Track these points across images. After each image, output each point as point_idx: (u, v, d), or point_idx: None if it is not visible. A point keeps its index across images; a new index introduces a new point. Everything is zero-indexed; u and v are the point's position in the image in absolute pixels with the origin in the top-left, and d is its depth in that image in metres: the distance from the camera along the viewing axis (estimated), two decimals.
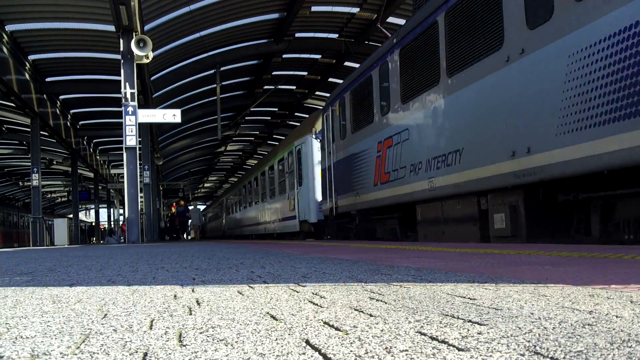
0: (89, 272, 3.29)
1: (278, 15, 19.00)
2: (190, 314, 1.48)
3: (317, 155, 14.00)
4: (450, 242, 6.36)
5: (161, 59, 19.39)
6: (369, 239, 10.37)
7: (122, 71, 14.04)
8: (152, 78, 19.71)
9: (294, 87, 27.38)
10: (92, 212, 43.03)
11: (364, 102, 9.98)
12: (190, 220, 29.58)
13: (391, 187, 8.58)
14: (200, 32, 18.76)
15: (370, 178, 9.44)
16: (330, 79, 25.40)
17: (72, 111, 24.42)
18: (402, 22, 18.91)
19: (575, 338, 1.02)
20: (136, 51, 13.49)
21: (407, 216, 8.67)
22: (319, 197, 13.64)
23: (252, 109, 28.75)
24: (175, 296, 1.91)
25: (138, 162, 14.41)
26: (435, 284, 1.98)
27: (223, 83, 23.71)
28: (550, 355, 0.90)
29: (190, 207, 30.26)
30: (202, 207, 62.62)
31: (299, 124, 22.95)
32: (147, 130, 21.01)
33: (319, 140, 13.62)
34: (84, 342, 1.14)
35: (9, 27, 15.99)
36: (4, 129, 25.94)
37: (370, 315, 1.35)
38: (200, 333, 1.20)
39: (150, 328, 1.28)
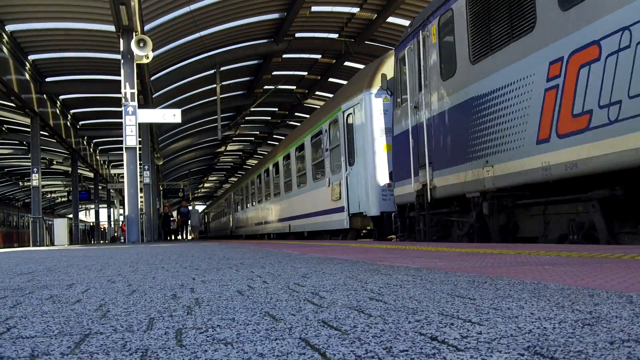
0: (88, 272, 3.29)
1: (278, 15, 19.02)
2: (190, 314, 1.48)
3: (378, 120, 10.11)
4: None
5: (161, 58, 19.42)
6: (505, 240, 6.35)
7: (122, 71, 14.06)
8: (152, 78, 19.74)
9: (294, 87, 27.41)
10: (92, 212, 43.01)
11: (504, 2, 5.91)
12: (189, 221, 29.60)
13: (598, 137, 4.63)
14: (200, 32, 18.79)
15: (526, 130, 5.50)
16: (330, 79, 25.43)
17: (72, 111, 24.45)
18: (403, 21, 18.94)
19: (575, 338, 1.02)
20: (136, 51, 13.50)
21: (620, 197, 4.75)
22: (382, 179, 9.95)
23: (252, 109, 28.79)
24: (174, 296, 1.91)
25: (138, 162, 14.43)
26: (435, 284, 1.98)
27: (223, 83, 23.74)
28: (550, 356, 0.90)
29: (189, 208, 30.23)
30: (202, 207, 62.62)
31: (298, 124, 22.56)
32: (147, 130, 21.04)
33: (385, 96, 9.90)
34: (83, 342, 1.14)
35: (9, 27, 16.01)
36: (4, 128, 25.97)
37: (370, 315, 1.35)
38: (200, 333, 1.20)
39: (150, 328, 1.28)
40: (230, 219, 30.93)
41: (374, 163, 10.11)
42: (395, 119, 9.05)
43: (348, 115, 11.06)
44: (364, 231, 11.23)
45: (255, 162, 36.50)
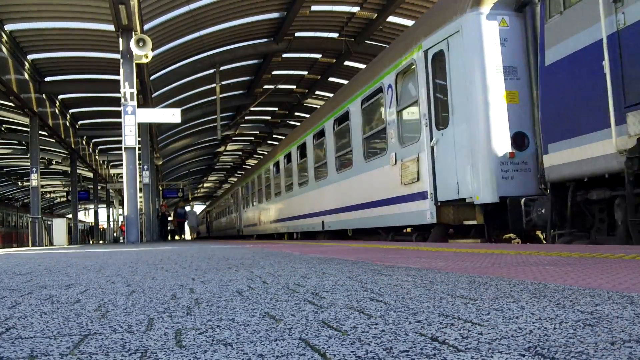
0: (88, 273, 3.28)
1: (278, 14, 19.03)
2: (190, 315, 1.47)
3: (494, 56, 6.67)
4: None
5: (161, 58, 19.42)
6: None
7: (121, 71, 14.06)
8: (152, 77, 19.74)
9: (294, 87, 27.43)
10: (92, 212, 43.04)
11: None
12: (186, 222, 29.60)
13: None
14: (199, 32, 18.80)
15: None
16: (330, 79, 25.45)
17: (71, 111, 24.46)
18: (403, 21, 18.97)
19: (576, 339, 1.02)
20: (136, 51, 13.50)
21: None
22: (502, 146, 6.53)
23: (251, 109, 28.80)
24: (174, 296, 1.91)
25: (137, 162, 14.43)
26: (435, 285, 1.97)
27: (223, 83, 23.74)
28: (551, 356, 0.89)
29: (187, 209, 30.20)
30: (201, 207, 62.58)
31: (298, 124, 22.17)
32: (146, 130, 21.05)
33: (502, 19, 6.76)
34: (82, 342, 1.14)
35: (8, 27, 16.02)
36: (3, 128, 25.97)
37: (370, 316, 1.34)
38: (200, 334, 1.19)
39: (150, 328, 1.28)
40: (238, 216, 26.91)
41: (487, 121, 6.65)
42: (551, 36, 5.75)
43: (435, 55, 7.46)
44: (451, 229, 7.94)
45: (256, 161, 36.03)
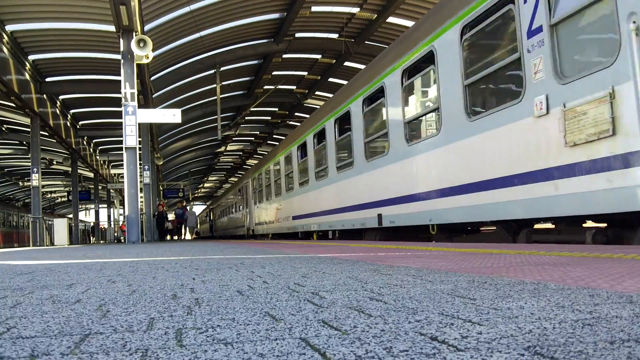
0: (88, 272, 3.28)
1: (278, 15, 19.05)
2: (190, 314, 1.48)
3: None
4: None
5: (161, 58, 19.45)
6: None
7: (122, 71, 14.07)
8: (152, 78, 19.76)
9: (294, 87, 27.45)
10: (92, 212, 43.05)
11: None
12: (185, 223, 29.55)
13: None
14: (200, 32, 18.82)
15: None
16: (330, 79, 25.47)
17: (72, 111, 24.48)
18: (403, 21, 18.99)
19: (575, 338, 1.02)
20: (136, 51, 13.51)
21: None
22: None
23: (252, 109, 28.82)
24: (175, 296, 1.91)
25: (138, 162, 14.43)
26: (435, 284, 1.98)
27: (223, 83, 23.76)
28: (550, 356, 0.90)
29: (187, 208, 30.17)
30: (201, 208, 62.58)
31: (298, 124, 21.62)
32: (147, 130, 21.07)
33: None
34: (83, 342, 1.14)
35: (9, 27, 16.04)
36: (4, 128, 26.00)
37: (370, 315, 1.35)
38: (200, 333, 1.20)
39: (150, 328, 1.28)
40: (247, 213, 23.52)
41: None
42: None
43: None
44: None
45: (256, 161, 35.81)
